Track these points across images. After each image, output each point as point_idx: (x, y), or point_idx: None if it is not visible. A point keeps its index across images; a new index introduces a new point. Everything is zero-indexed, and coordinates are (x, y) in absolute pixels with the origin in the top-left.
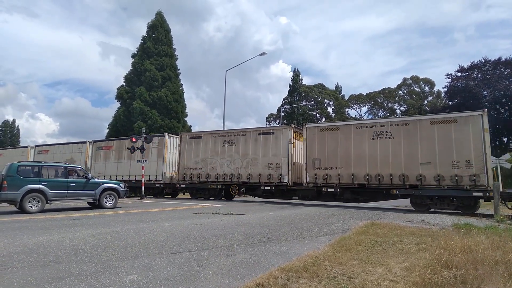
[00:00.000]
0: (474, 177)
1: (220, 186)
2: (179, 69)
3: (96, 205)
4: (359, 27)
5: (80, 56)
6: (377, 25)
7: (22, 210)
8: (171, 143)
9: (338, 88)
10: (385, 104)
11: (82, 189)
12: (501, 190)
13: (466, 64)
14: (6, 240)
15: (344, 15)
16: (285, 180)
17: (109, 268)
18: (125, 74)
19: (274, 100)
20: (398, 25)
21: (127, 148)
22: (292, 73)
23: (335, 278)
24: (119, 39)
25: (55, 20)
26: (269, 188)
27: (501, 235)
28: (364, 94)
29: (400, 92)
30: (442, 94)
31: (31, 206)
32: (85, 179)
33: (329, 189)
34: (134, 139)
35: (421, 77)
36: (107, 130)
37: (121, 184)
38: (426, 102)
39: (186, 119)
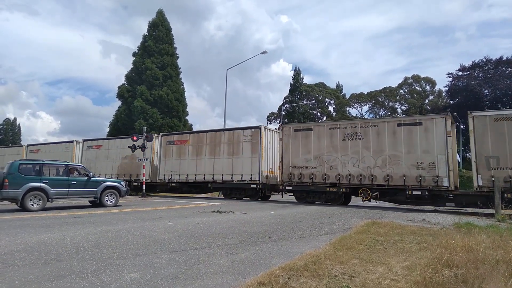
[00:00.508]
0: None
1: (343, 189)
2: (180, 68)
3: (97, 203)
4: (360, 26)
5: (81, 55)
6: (378, 24)
7: (23, 208)
8: (267, 136)
9: (339, 87)
10: (386, 103)
11: (83, 188)
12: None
13: (467, 63)
14: (8, 238)
15: (345, 14)
16: (445, 184)
17: (110, 266)
18: (126, 72)
19: (275, 99)
20: (399, 24)
21: (128, 146)
22: (293, 72)
23: (336, 277)
24: (120, 37)
25: (56, 19)
26: (419, 193)
27: (502, 234)
28: (365, 93)
29: (401, 91)
30: (443, 93)
31: (32, 204)
32: (86, 178)
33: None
34: (135, 138)
35: (422, 76)
36: (108, 128)
37: (122, 183)
38: (427, 101)
39: (187, 117)
